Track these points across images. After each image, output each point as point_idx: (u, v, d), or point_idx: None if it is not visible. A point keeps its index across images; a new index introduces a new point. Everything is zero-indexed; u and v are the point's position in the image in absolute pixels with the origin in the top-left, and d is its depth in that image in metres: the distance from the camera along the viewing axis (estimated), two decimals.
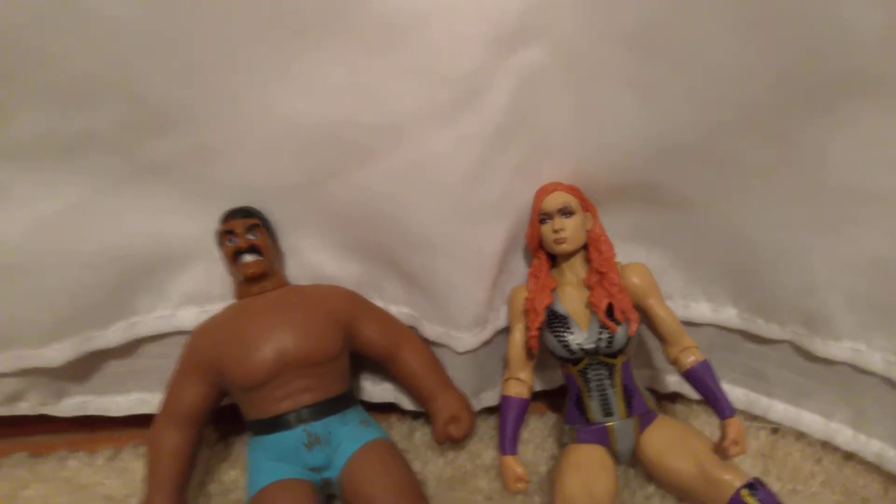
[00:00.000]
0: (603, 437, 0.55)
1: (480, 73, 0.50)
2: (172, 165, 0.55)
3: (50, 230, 0.54)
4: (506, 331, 0.61)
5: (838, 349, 0.56)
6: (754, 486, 0.49)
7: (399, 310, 0.63)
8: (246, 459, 0.56)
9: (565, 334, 0.55)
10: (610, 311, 0.54)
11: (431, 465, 0.63)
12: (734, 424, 0.50)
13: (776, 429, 0.64)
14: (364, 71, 0.50)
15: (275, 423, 0.54)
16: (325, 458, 0.54)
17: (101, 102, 0.51)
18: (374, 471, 0.53)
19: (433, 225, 0.55)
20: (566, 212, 0.56)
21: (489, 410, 0.67)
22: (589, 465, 0.53)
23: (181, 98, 0.51)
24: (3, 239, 0.53)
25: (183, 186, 0.56)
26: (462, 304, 0.58)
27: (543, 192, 0.57)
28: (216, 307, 0.60)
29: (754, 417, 0.65)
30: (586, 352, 0.54)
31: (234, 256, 0.57)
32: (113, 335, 0.59)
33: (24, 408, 0.62)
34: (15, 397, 0.61)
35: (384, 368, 0.63)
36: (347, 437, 0.55)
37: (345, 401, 0.57)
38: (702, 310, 0.63)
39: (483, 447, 0.64)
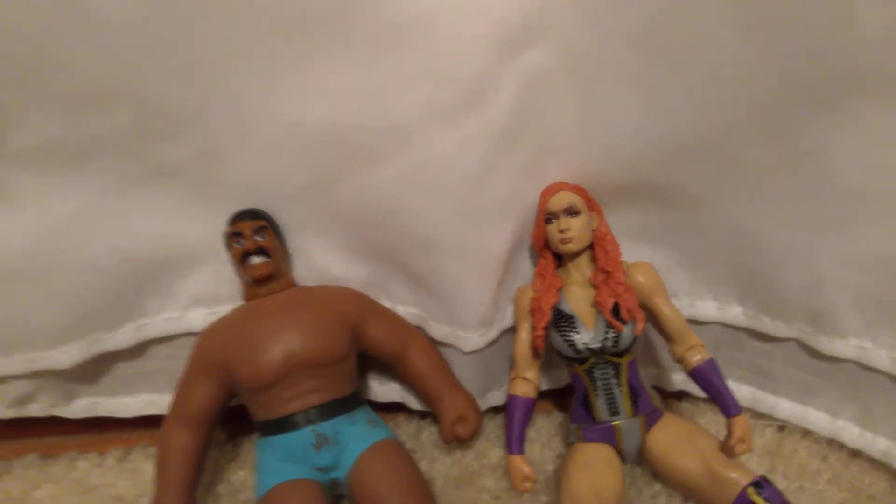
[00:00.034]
0: (609, 436, 0.55)
1: (485, 75, 0.50)
2: (180, 168, 0.55)
3: (59, 234, 0.54)
4: (512, 330, 0.61)
5: (844, 347, 0.56)
6: (760, 483, 0.49)
7: (406, 310, 0.63)
8: (254, 460, 0.57)
9: (571, 334, 0.55)
10: (616, 310, 0.54)
11: (439, 465, 0.63)
12: (740, 423, 0.50)
13: (782, 426, 0.64)
14: (370, 73, 0.50)
15: (283, 424, 0.54)
16: (334, 458, 0.54)
17: (109, 107, 0.51)
18: (382, 470, 0.53)
19: (439, 226, 0.55)
20: (572, 211, 0.56)
21: (496, 410, 0.67)
22: (595, 464, 0.54)
23: (188, 102, 0.52)
24: (13, 243, 0.54)
25: (191, 189, 0.57)
26: (468, 304, 0.58)
27: (549, 192, 0.58)
28: (224, 308, 0.60)
29: (760, 415, 0.65)
30: (592, 351, 0.54)
31: (242, 258, 0.57)
32: (122, 337, 0.59)
33: (35, 409, 0.62)
34: (25, 399, 0.61)
35: (391, 368, 0.63)
36: (355, 437, 0.55)
37: (352, 401, 0.57)
38: (708, 308, 0.63)
39: (490, 446, 0.64)
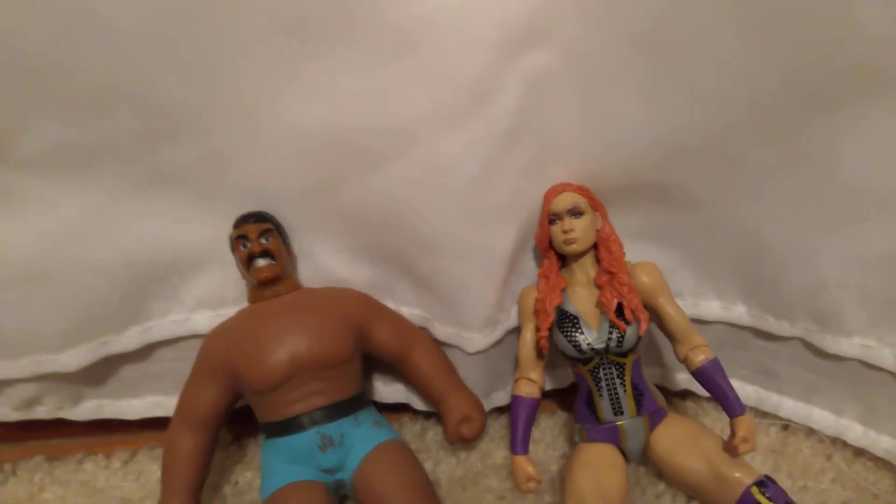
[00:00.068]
0: (613, 436, 0.55)
1: (488, 76, 0.50)
2: (185, 171, 0.55)
3: (65, 238, 0.55)
4: (516, 331, 0.61)
5: (849, 345, 0.56)
6: (764, 483, 0.49)
7: (410, 311, 0.63)
8: (260, 461, 0.57)
9: (575, 334, 0.55)
10: (620, 310, 0.54)
11: (443, 465, 0.63)
12: (744, 422, 0.50)
13: (786, 425, 0.64)
14: (374, 75, 0.50)
15: (288, 426, 0.54)
16: (339, 459, 0.54)
17: (115, 112, 0.51)
18: (387, 471, 0.53)
19: (443, 227, 0.55)
20: (575, 212, 0.56)
21: (500, 410, 0.67)
22: (599, 464, 0.54)
23: (193, 105, 0.52)
24: (19, 247, 0.54)
25: (196, 192, 0.57)
26: (473, 305, 0.58)
27: (553, 192, 0.58)
28: (230, 311, 0.60)
29: (764, 414, 0.65)
30: (596, 351, 0.54)
31: (247, 261, 0.57)
32: (128, 340, 0.59)
33: (41, 412, 0.62)
34: (32, 402, 0.61)
35: (396, 369, 0.64)
36: (360, 438, 0.55)
37: (357, 402, 0.57)
38: (712, 307, 0.63)
39: (494, 447, 0.65)
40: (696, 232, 0.60)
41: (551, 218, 0.57)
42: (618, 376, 0.55)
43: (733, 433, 0.50)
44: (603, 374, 0.55)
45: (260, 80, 0.51)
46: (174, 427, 0.57)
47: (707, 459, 0.51)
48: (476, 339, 0.60)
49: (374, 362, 0.64)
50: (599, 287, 0.56)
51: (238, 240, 0.57)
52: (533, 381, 0.57)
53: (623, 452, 0.56)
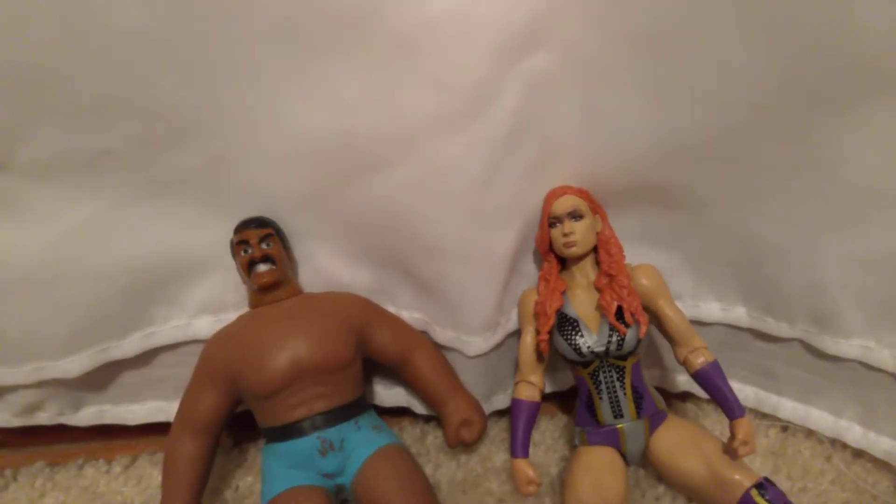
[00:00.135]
0: (613, 439, 0.55)
1: (489, 80, 0.50)
2: (188, 178, 0.56)
3: (67, 244, 0.55)
4: (516, 334, 0.61)
5: (848, 347, 0.57)
6: (764, 485, 0.49)
7: (411, 315, 0.63)
8: (260, 466, 0.57)
9: (575, 337, 0.55)
10: (620, 313, 0.54)
11: (443, 469, 0.63)
12: (743, 425, 0.50)
13: (786, 427, 0.64)
14: (376, 81, 0.50)
15: (289, 431, 0.54)
16: (339, 464, 0.54)
17: (117, 118, 0.51)
18: (387, 475, 0.53)
19: (444, 230, 0.56)
20: (575, 215, 0.56)
21: (500, 413, 0.67)
22: (599, 467, 0.54)
23: (196, 112, 0.52)
24: (22, 254, 0.54)
25: (198, 198, 0.57)
26: (473, 309, 0.59)
27: (553, 195, 0.58)
28: (231, 316, 0.60)
29: (764, 416, 0.65)
30: (596, 354, 0.54)
31: (248, 266, 0.57)
32: (130, 345, 0.59)
33: (43, 418, 0.62)
34: (33, 408, 0.61)
35: (396, 373, 0.64)
36: (361, 442, 0.55)
37: (358, 407, 0.58)
38: (711, 309, 0.63)
39: (494, 450, 0.65)
40: (695, 234, 0.60)
41: (551, 221, 0.57)
42: (618, 379, 0.55)
43: (733, 435, 0.50)
44: (603, 377, 0.55)
45: (261, 86, 0.51)
46: (175, 432, 0.57)
47: (707, 462, 0.51)
48: (476, 343, 0.60)
49: (374, 366, 0.64)
50: (599, 290, 0.56)
51: (239, 245, 0.57)
52: (533, 385, 0.57)
53: (623, 455, 0.56)
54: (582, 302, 0.57)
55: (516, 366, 0.58)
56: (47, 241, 0.54)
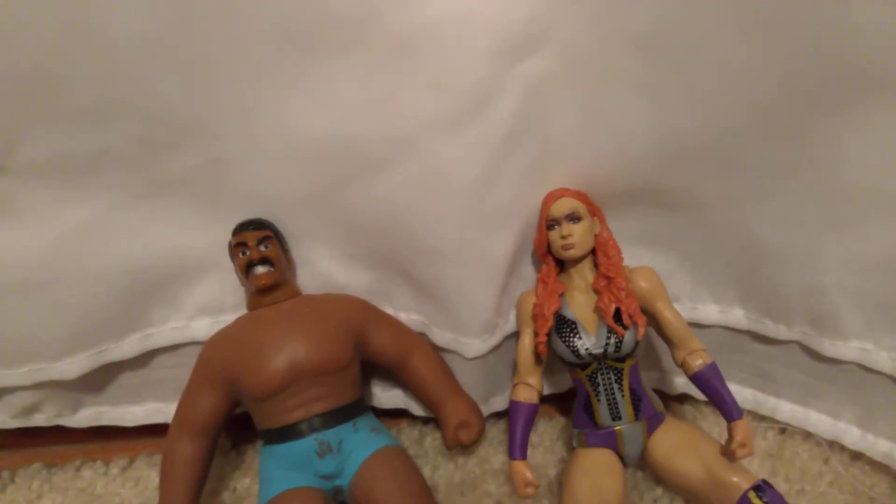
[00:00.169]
0: (611, 441, 0.55)
1: (488, 82, 0.50)
2: (186, 179, 0.56)
3: (66, 246, 0.55)
4: (515, 336, 0.61)
5: (846, 349, 0.57)
6: (762, 487, 0.49)
7: (409, 317, 0.63)
8: (258, 467, 0.57)
9: (574, 339, 0.55)
10: (618, 315, 0.54)
11: (441, 470, 0.63)
12: (741, 427, 0.50)
13: (784, 429, 0.64)
14: (375, 83, 0.50)
15: (287, 433, 0.54)
16: (337, 465, 0.54)
17: (116, 121, 0.51)
18: (385, 477, 0.53)
19: (443, 232, 0.55)
20: (574, 217, 0.56)
21: (498, 415, 0.67)
22: (597, 469, 0.54)
23: (195, 113, 0.52)
24: (21, 255, 0.54)
25: (197, 199, 0.57)
26: (471, 311, 0.59)
27: (551, 198, 0.58)
28: (229, 318, 0.60)
29: (762, 418, 0.65)
30: (594, 356, 0.54)
31: (246, 268, 0.57)
32: (128, 347, 0.59)
33: (40, 419, 0.62)
34: (31, 409, 0.61)
35: (395, 375, 0.64)
36: (358, 444, 0.55)
37: (356, 408, 0.58)
38: (709, 311, 0.63)
39: (493, 452, 0.65)
40: (693, 236, 0.60)
41: (549, 223, 0.57)
42: (616, 381, 0.55)
43: (731, 437, 0.50)
44: (601, 379, 0.55)
45: (261, 87, 0.51)
46: (173, 434, 0.57)
47: (705, 464, 0.51)
48: (474, 345, 0.60)
49: (372, 368, 0.64)
50: (597, 292, 0.56)
51: (237, 247, 0.57)
52: (531, 387, 0.57)
53: (621, 457, 0.56)
54: (580, 304, 0.57)
55: (514, 368, 0.58)
56: (46, 242, 0.54)
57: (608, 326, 0.54)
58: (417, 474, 0.56)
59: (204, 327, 0.61)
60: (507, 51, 0.50)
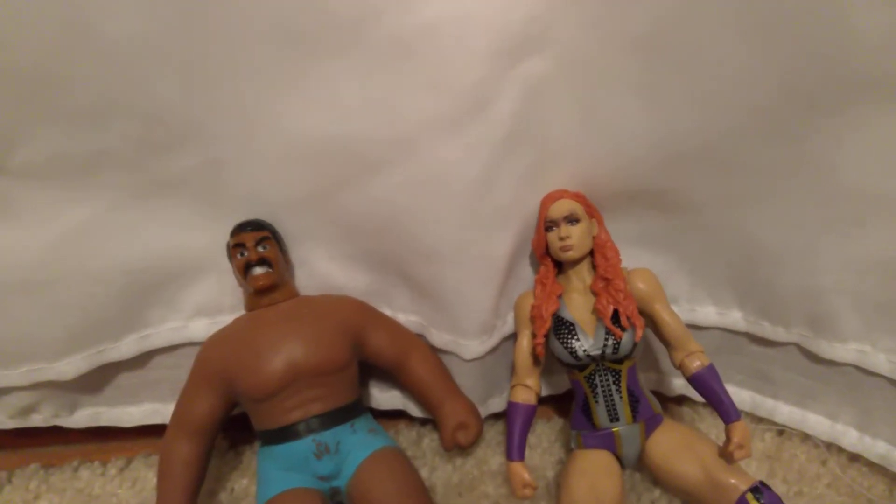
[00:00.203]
0: (609, 443, 0.55)
1: (488, 83, 0.50)
2: (185, 180, 0.56)
3: (64, 247, 0.55)
4: (513, 337, 0.61)
5: (844, 351, 0.57)
6: (759, 489, 0.49)
7: (407, 318, 0.63)
8: (256, 468, 0.57)
9: (571, 341, 0.55)
10: (616, 317, 0.54)
11: (439, 472, 0.63)
12: (739, 428, 0.50)
13: (782, 431, 0.64)
14: (375, 85, 0.50)
15: (284, 433, 0.54)
16: (334, 466, 0.54)
17: (114, 121, 0.51)
18: (382, 478, 0.53)
19: (441, 233, 0.55)
20: (572, 219, 0.56)
21: (496, 416, 0.67)
22: (595, 471, 0.54)
23: (194, 114, 0.52)
24: (19, 256, 0.54)
25: (195, 200, 0.57)
26: (469, 312, 0.58)
27: (549, 199, 0.58)
28: (227, 319, 0.60)
29: (760, 419, 0.66)
30: (592, 358, 0.54)
31: (244, 269, 0.57)
32: (126, 348, 0.59)
33: (38, 420, 0.62)
34: (28, 410, 0.61)
35: (393, 376, 0.64)
36: (356, 445, 0.55)
37: (354, 409, 0.57)
38: (707, 313, 0.63)
39: (490, 453, 0.65)
40: (692, 237, 0.60)
41: (548, 225, 0.57)
42: (614, 383, 0.55)
43: (728, 439, 0.50)
44: (599, 380, 0.55)
45: (259, 88, 0.51)
46: (170, 434, 0.57)
47: (702, 465, 0.51)
48: (473, 346, 0.60)
49: (370, 369, 0.64)
50: (595, 294, 0.56)
51: (235, 248, 0.57)
52: (529, 388, 0.57)
53: (619, 459, 0.56)
54: (578, 306, 0.57)
55: (512, 369, 0.59)
56: (45, 242, 0.54)
57: (606, 328, 0.54)
58: (415, 475, 0.56)
59: (202, 328, 0.61)
60: (507, 51, 0.50)
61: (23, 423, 0.62)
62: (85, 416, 0.63)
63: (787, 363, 0.62)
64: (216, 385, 0.56)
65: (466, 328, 0.59)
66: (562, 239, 0.56)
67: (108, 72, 0.49)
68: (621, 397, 0.55)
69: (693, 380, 0.53)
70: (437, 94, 0.50)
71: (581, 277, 0.58)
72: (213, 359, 0.57)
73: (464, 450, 0.64)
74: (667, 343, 0.55)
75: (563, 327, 0.56)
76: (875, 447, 0.59)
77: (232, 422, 0.60)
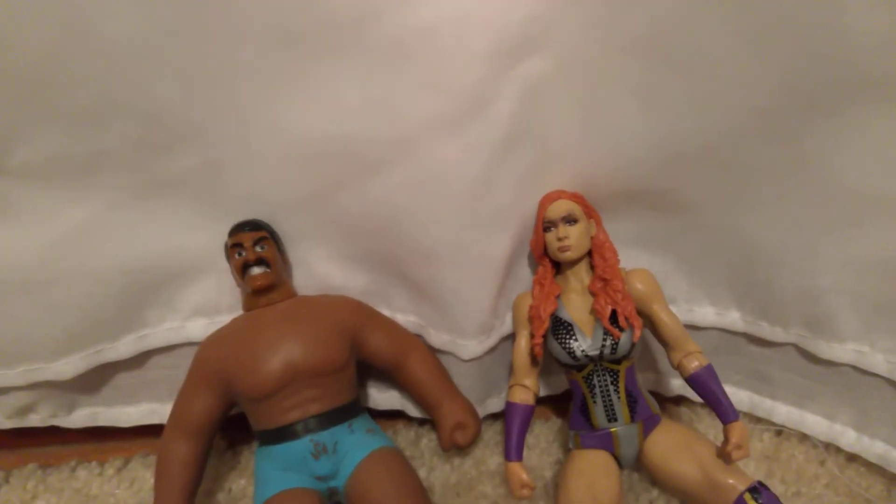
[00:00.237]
0: (607, 443, 0.55)
1: (487, 83, 0.50)
2: (184, 180, 0.56)
3: (62, 247, 0.55)
4: (511, 337, 0.61)
5: (842, 351, 0.57)
6: (757, 489, 0.49)
7: (405, 318, 0.63)
8: (254, 468, 0.57)
9: (570, 341, 0.55)
10: (614, 317, 0.54)
11: (437, 472, 0.63)
12: (737, 429, 0.50)
13: (780, 431, 0.64)
14: (373, 85, 0.50)
15: (282, 434, 0.54)
16: (332, 467, 0.54)
17: (114, 122, 0.51)
18: (380, 478, 0.53)
19: (440, 233, 0.55)
20: (570, 220, 0.56)
21: (494, 416, 0.67)
22: (593, 471, 0.54)
23: (193, 114, 0.52)
24: (17, 256, 0.54)
25: (194, 200, 0.57)
26: (468, 312, 0.58)
27: (547, 200, 0.58)
28: (225, 319, 0.60)
29: (758, 420, 0.66)
30: (590, 358, 0.54)
31: (242, 269, 0.57)
32: (124, 348, 0.59)
33: (35, 420, 0.62)
34: (26, 410, 0.61)
35: (391, 376, 0.64)
36: (354, 445, 0.55)
37: (352, 410, 0.57)
38: (706, 313, 0.63)
39: (488, 453, 0.65)
40: (690, 238, 0.60)
41: (546, 225, 0.57)
42: (612, 383, 0.55)
43: (727, 439, 0.50)
44: (597, 380, 0.55)
45: (259, 88, 0.51)
46: (168, 434, 0.56)
47: (700, 466, 0.51)
48: (471, 346, 0.60)
49: (368, 369, 0.64)
50: (594, 294, 0.56)
51: (233, 248, 0.57)
52: (527, 388, 0.57)
53: (617, 459, 0.56)
54: (576, 306, 0.57)
55: (510, 369, 0.59)
56: (43, 242, 0.54)
57: (604, 328, 0.54)
58: (413, 475, 0.56)
59: (200, 328, 0.61)
60: (506, 52, 0.50)
61: (20, 423, 0.62)
62: (83, 416, 0.63)
63: (786, 363, 0.62)
64: (214, 385, 0.56)
65: (465, 328, 0.59)
66: (560, 239, 0.56)
67: (108, 72, 0.49)
68: (619, 398, 0.55)
69: (691, 380, 0.53)
70: (436, 94, 0.50)
71: (579, 278, 0.58)
72: (210, 359, 0.57)
73: (462, 450, 0.64)
74: (665, 343, 0.55)
75: (561, 327, 0.56)
76: (873, 447, 0.59)
77: (230, 422, 0.60)
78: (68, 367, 0.57)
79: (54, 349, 0.57)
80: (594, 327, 0.55)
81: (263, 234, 0.58)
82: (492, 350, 0.62)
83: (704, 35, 0.47)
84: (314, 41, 0.49)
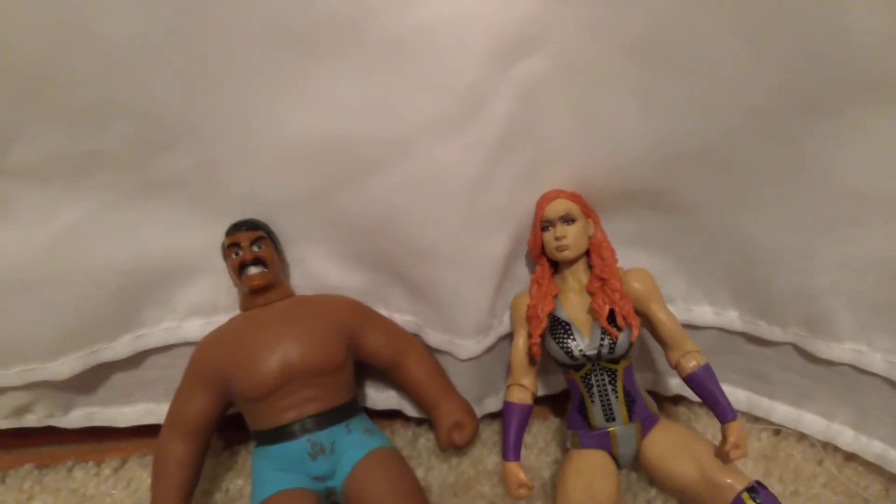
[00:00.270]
0: (605, 442, 0.55)
1: (484, 84, 0.50)
2: (181, 180, 0.55)
3: (59, 246, 0.55)
4: (509, 337, 0.61)
5: (840, 351, 0.57)
6: (756, 489, 0.49)
7: (403, 318, 0.63)
8: (251, 468, 0.56)
9: (567, 341, 0.55)
10: (612, 316, 0.54)
11: (435, 472, 0.63)
12: (735, 428, 0.50)
13: (778, 430, 0.64)
14: (371, 85, 0.50)
15: (279, 434, 0.54)
16: (330, 467, 0.54)
17: (113, 122, 0.51)
18: (378, 478, 0.53)
19: (437, 233, 0.55)
20: (568, 219, 0.56)
21: (492, 416, 0.67)
22: (591, 471, 0.54)
23: (192, 115, 0.52)
24: (14, 256, 0.54)
25: (191, 200, 0.57)
26: (465, 312, 0.58)
27: (545, 199, 0.58)
28: (222, 319, 0.60)
29: (756, 419, 0.66)
30: (588, 358, 0.54)
31: (239, 269, 0.57)
32: (120, 347, 0.59)
33: (32, 420, 0.62)
34: (22, 410, 0.61)
35: (388, 376, 0.64)
36: (351, 445, 0.55)
37: (349, 409, 0.57)
38: (704, 313, 0.63)
39: (486, 453, 0.65)
40: (688, 238, 0.60)
41: (544, 224, 0.57)
42: (609, 383, 0.55)
43: (725, 439, 0.50)
44: (595, 380, 0.55)
45: (256, 89, 0.51)
46: (165, 434, 0.56)
47: (698, 465, 0.51)
48: (468, 346, 0.60)
49: (366, 369, 0.64)
50: (591, 293, 0.56)
51: (230, 248, 0.57)
52: (525, 388, 0.57)
53: (615, 458, 0.56)
54: (574, 305, 0.56)
55: (508, 369, 0.59)
56: (39, 242, 0.54)
57: (602, 328, 0.54)
58: (411, 475, 0.56)
59: (196, 328, 0.61)
60: (504, 52, 0.50)
61: (17, 424, 0.62)
62: (79, 416, 0.63)
63: (784, 363, 0.62)
64: (211, 385, 0.56)
65: (462, 328, 0.59)
66: (558, 239, 0.56)
67: (107, 72, 0.48)
68: (617, 397, 0.55)
69: (689, 379, 0.53)
70: (435, 94, 0.50)
71: (577, 277, 0.58)
72: (207, 359, 0.57)
73: (460, 450, 0.64)
74: (663, 343, 0.55)
75: (559, 327, 0.56)
76: (871, 447, 0.59)
77: (227, 422, 0.60)
78: (65, 367, 0.57)
79: (51, 349, 0.57)
80: (592, 327, 0.55)
81: (261, 233, 0.57)
82: (489, 350, 0.62)
83: (704, 35, 0.47)
84: (314, 41, 0.48)
